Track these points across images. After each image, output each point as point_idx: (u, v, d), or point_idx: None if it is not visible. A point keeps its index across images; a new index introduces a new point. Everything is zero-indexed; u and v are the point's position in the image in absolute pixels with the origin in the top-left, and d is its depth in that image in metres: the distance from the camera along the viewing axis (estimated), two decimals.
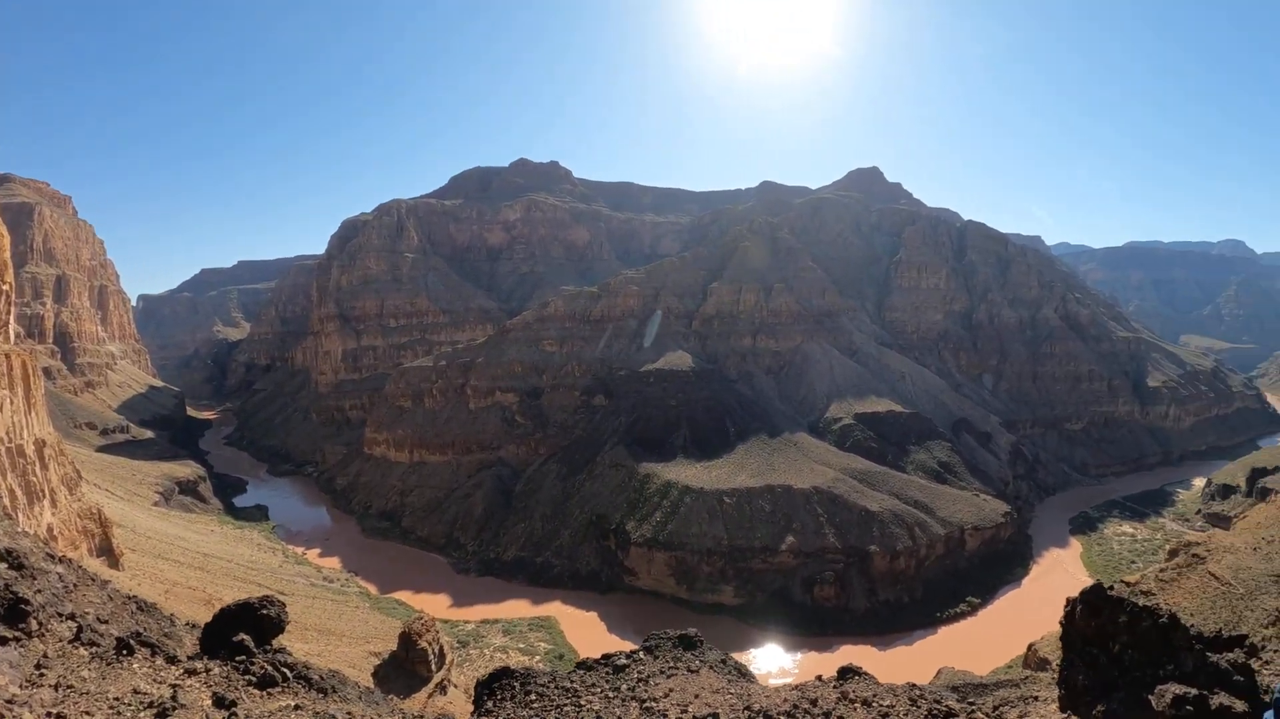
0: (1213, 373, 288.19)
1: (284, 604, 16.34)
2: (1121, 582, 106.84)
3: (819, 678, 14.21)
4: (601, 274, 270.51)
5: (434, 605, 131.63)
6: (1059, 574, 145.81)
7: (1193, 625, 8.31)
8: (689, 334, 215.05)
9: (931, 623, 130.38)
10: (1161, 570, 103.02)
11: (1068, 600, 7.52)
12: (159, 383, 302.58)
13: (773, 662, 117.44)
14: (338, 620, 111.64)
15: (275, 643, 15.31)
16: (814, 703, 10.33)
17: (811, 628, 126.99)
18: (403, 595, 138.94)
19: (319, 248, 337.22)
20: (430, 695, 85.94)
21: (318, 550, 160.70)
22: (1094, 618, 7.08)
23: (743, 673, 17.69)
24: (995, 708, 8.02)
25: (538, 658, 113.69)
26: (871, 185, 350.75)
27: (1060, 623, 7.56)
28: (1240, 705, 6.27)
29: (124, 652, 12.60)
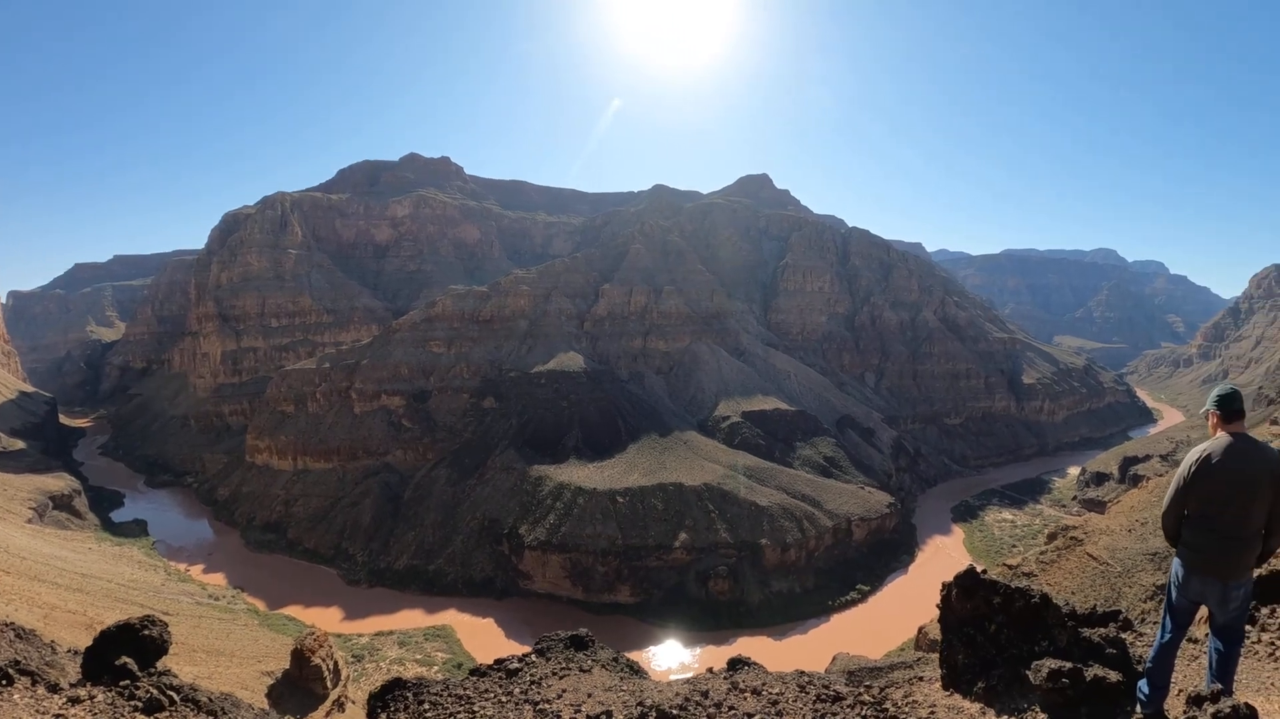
0: (1084, 370, 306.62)
1: (166, 624, 15.74)
2: (1004, 564, 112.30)
3: (710, 670, 14.51)
4: (492, 274, 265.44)
5: (326, 620, 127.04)
6: (944, 560, 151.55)
7: (1068, 603, 8.80)
8: (580, 335, 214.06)
9: (824, 611, 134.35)
10: (1042, 553, 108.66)
11: (943, 585, 7.89)
12: (30, 388, 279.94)
13: (673, 657, 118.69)
14: (226, 640, 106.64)
15: (160, 665, 14.74)
16: (705, 695, 10.57)
17: (708, 622, 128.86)
18: (293, 611, 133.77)
19: (200, 242, 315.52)
20: (328, 714, 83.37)
21: (201, 566, 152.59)
22: (969, 600, 7.44)
23: (635, 670, 17.85)
24: (882, 689, 8.38)
25: (435, 668, 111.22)
26: (760, 192, 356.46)
27: (938, 606, 7.92)
28: (1115, 676, 6.71)
29: (3, 682, 12.02)
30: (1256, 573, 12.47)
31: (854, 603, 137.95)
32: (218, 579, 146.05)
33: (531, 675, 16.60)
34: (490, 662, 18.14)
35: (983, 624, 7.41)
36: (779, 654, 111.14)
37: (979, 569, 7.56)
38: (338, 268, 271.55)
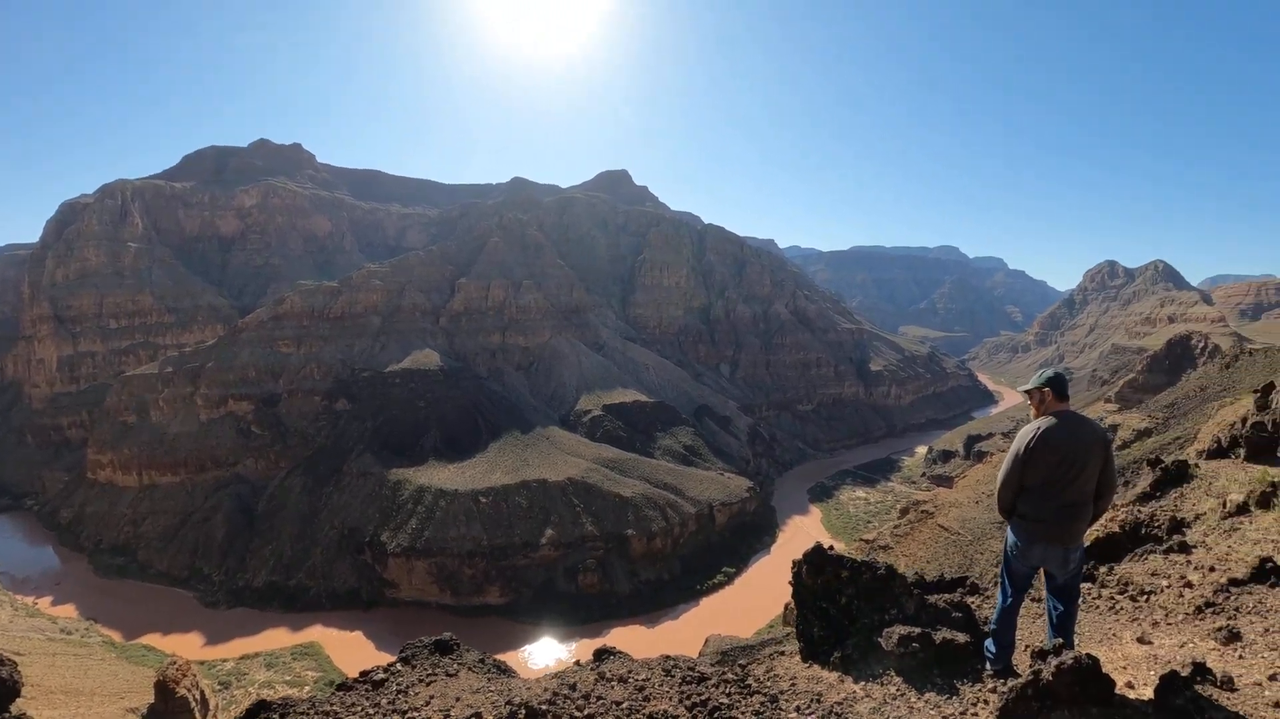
0: (929, 357, 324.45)
1: (16, 664, 14.49)
2: (861, 540, 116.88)
3: (577, 663, 14.39)
4: (343, 268, 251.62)
5: (186, 647, 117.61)
6: (804, 539, 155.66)
7: (917, 573, 9.13)
8: (436, 331, 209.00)
9: (694, 596, 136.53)
10: (896, 527, 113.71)
11: (794, 563, 8.08)
12: None
13: (549, 655, 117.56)
14: (84, 678, 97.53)
15: (15, 709, 13.60)
16: (573, 688, 10.45)
17: (580, 616, 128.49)
18: (151, 640, 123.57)
19: (35, 235, 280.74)
20: None
21: (50, 598, 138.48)
22: (819, 576, 7.64)
23: (503, 670, 17.55)
24: (745, 665, 8.55)
25: (307, 688, 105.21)
26: (620, 188, 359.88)
27: (790, 583, 8.11)
28: (963, 638, 7.02)
29: None
30: (1094, 537, 13.43)
31: (721, 585, 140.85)
32: (68, 611, 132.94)
33: (398, 685, 16.08)
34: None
35: (834, 597, 7.60)
36: (653, 642, 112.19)
37: (826, 546, 7.75)
38: (180, 263, 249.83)
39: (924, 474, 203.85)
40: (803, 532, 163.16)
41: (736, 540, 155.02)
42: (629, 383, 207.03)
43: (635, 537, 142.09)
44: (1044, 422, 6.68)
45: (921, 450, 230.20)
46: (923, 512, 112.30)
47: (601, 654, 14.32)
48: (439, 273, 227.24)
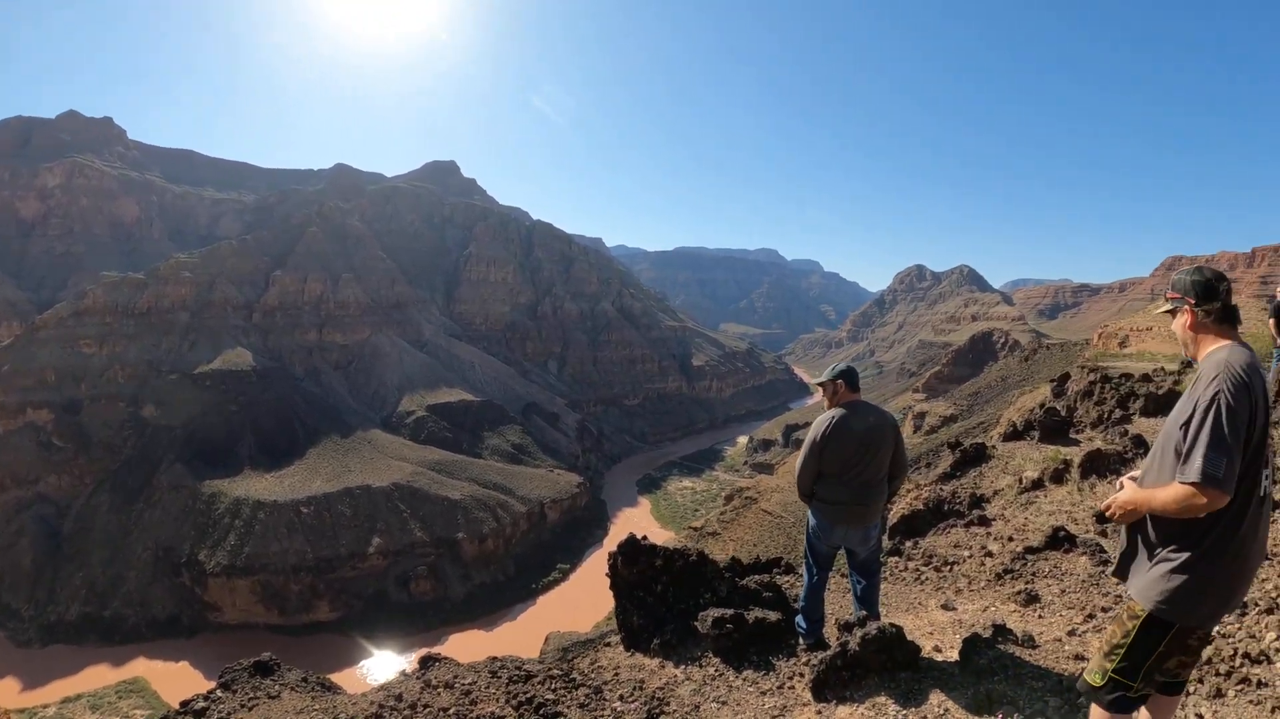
0: (748, 352, 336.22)
1: None
2: (690, 527, 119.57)
3: (402, 672, 13.97)
4: (151, 257, 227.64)
5: (3, 695, 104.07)
6: (635, 529, 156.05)
7: (734, 557, 9.39)
8: (249, 328, 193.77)
9: (530, 595, 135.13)
10: (722, 513, 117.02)
11: (609, 555, 8.19)
12: None
13: (387, 668, 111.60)
14: None
15: None
16: (399, 698, 10.10)
17: (417, 625, 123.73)
18: None
19: None
20: None
21: None
22: (633, 566, 7.74)
23: (327, 687, 16.83)
24: (570, 659, 8.57)
25: None
26: (448, 179, 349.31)
27: (607, 575, 8.22)
28: (774, 616, 7.27)
29: None
30: (900, 514, 14.22)
31: (557, 583, 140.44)
32: None
33: (219, 712, 15.06)
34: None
35: (650, 585, 7.72)
36: (493, 646, 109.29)
37: (640, 537, 7.85)
38: None
39: (746, 462, 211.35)
40: (633, 523, 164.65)
41: (569, 536, 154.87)
42: (454, 381, 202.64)
43: (466, 539, 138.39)
44: (837, 411, 7.02)
45: (743, 440, 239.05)
46: (746, 498, 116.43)
47: (427, 661, 13.96)
48: (253, 264, 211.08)
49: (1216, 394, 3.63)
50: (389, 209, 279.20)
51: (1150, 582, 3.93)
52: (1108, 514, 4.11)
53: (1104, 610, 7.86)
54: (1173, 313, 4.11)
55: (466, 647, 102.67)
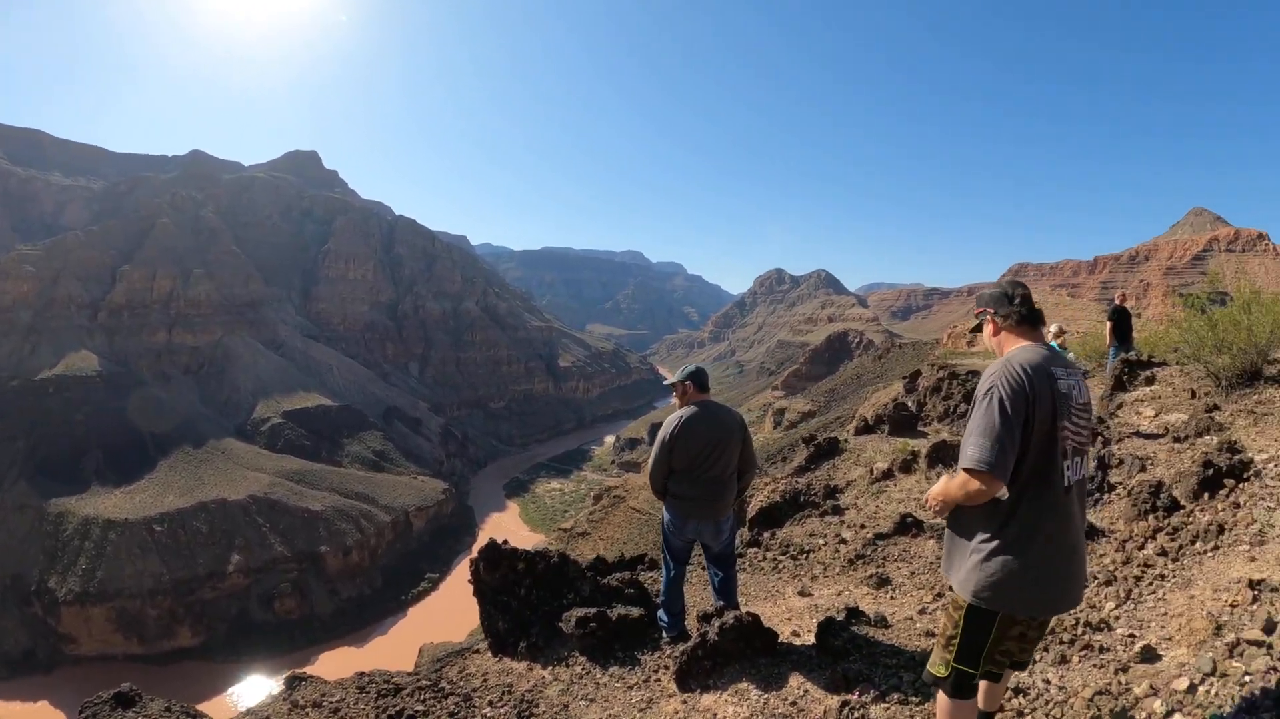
0: (614, 353, 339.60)
1: None
2: (560, 529, 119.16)
3: (269, 694, 13.59)
4: None
5: None
6: (503, 534, 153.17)
7: (599, 556, 9.63)
8: (94, 329, 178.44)
9: (400, 607, 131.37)
10: (591, 513, 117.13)
11: (471, 562, 8.26)
12: None
13: (259, 693, 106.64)
14: None
15: None
16: None
17: (284, 646, 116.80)
18: None
19: None
20: None
21: None
22: (495, 571, 7.85)
23: (192, 715, 16.18)
24: (438, 668, 8.51)
25: None
26: (308, 170, 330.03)
27: (469, 581, 8.28)
28: (637, 612, 7.47)
29: None
30: (759, 507, 14.72)
31: (427, 592, 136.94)
32: None
33: None
34: None
35: (514, 589, 7.84)
36: (365, 661, 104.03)
37: (500, 541, 7.98)
38: None
39: (614, 461, 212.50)
40: (502, 528, 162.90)
41: (437, 544, 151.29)
42: (312, 385, 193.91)
43: (330, 553, 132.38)
44: (686, 411, 7.26)
45: (610, 439, 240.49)
46: (615, 497, 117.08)
47: (293, 681, 13.54)
48: (100, 258, 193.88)
49: (990, 388, 3.94)
50: (245, 200, 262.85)
51: (966, 573, 4.15)
52: (927, 507, 4.42)
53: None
54: (979, 327, 4.55)
55: (338, 665, 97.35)
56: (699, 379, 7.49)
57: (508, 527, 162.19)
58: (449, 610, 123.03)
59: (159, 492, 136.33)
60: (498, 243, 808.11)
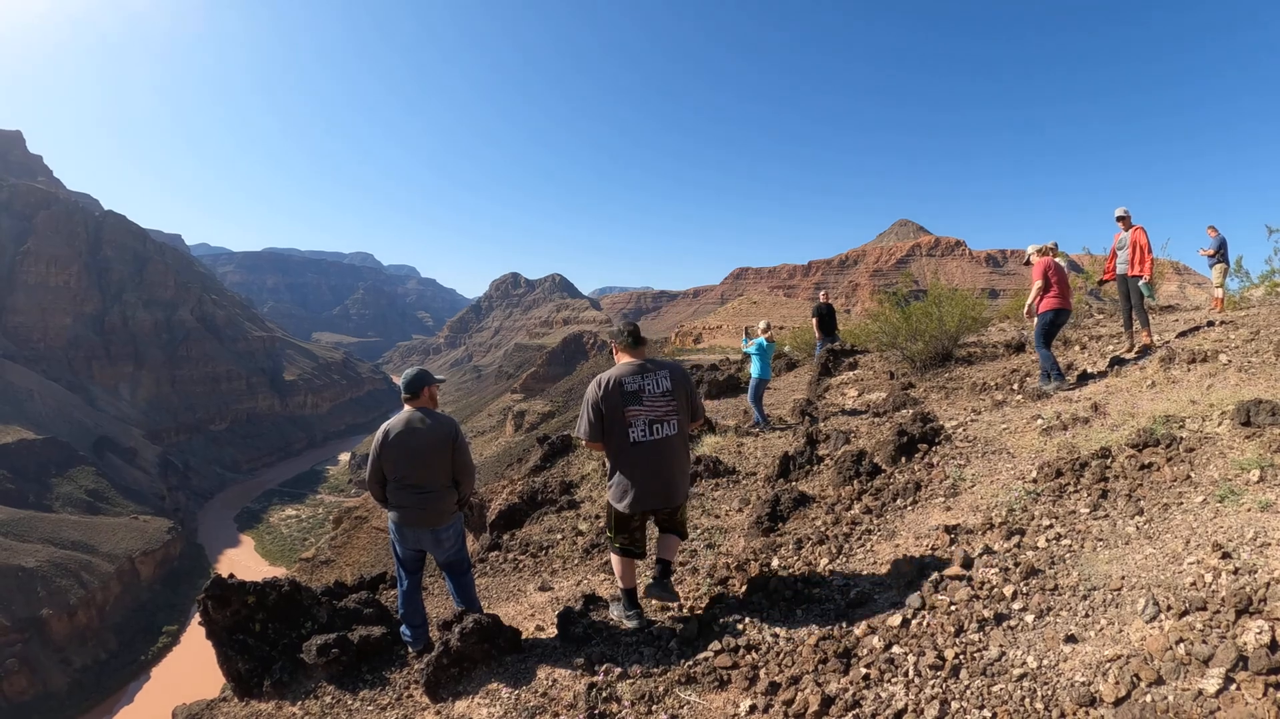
0: (344, 363, 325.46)
1: None
2: (301, 559, 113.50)
3: None
4: None
5: None
6: (241, 572, 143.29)
7: (338, 581, 9.61)
8: None
9: (142, 669, 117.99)
10: (333, 538, 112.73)
11: (197, 602, 7.97)
12: None
13: None
14: None
15: None
16: None
17: None
18: None
19: None
20: None
21: None
22: (226, 608, 7.60)
23: None
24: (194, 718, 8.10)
25: None
26: (10, 153, 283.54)
27: (199, 623, 7.97)
28: (379, 630, 7.56)
29: None
30: (498, 509, 15.11)
31: (168, 648, 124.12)
32: None
33: None
34: None
35: (249, 626, 7.68)
36: None
37: (227, 575, 7.78)
38: None
39: (351, 480, 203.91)
40: (238, 564, 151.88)
41: (169, 592, 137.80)
42: (10, 416, 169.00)
43: (54, 616, 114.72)
44: (395, 419, 7.64)
45: (345, 457, 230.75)
46: (356, 518, 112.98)
47: None
48: None
49: (586, 393, 6.95)
50: None
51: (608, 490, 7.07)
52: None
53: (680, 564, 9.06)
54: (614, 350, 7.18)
55: None
56: (407, 386, 7.71)
57: (244, 563, 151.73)
58: (195, 664, 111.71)
59: None
60: (215, 243, 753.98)
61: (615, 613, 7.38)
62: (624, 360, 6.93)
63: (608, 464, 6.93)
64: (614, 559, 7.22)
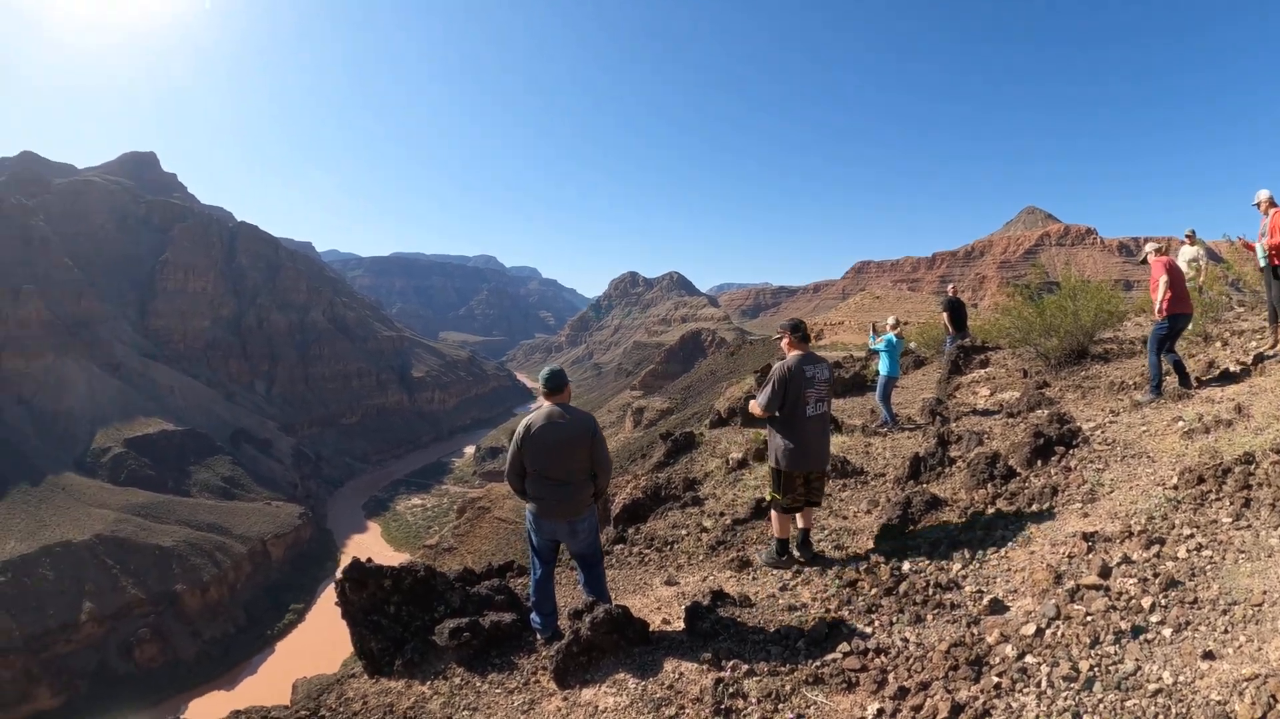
0: (469, 361, 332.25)
1: None
2: (425, 546, 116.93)
3: None
4: None
5: None
6: (366, 555, 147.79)
7: (466, 568, 9.76)
8: None
9: (267, 643, 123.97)
10: (456, 527, 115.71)
11: (335, 583, 8.22)
12: None
13: None
14: None
15: None
16: None
17: (151, 698, 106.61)
18: None
19: None
20: None
21: None
22: (362, 590, 7.83)
23: None
24: (316, 697, 8.30)
25: None
26: (145, 173, 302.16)
27: (336, 604, 8.22)
28: (509, 617, 7.69)
29: None
30: (622, 504, 15.14)
31: (294, 625, 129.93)
32: None
33: None
34: None
35: (383, 607, 7.88)
36: (238, 704, 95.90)
37: (364, 559, 8.03)
38: None
39: (475, 472, 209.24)
40: (365, 549, 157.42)
41: (298, 573, 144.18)
42: (152, 410, 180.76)
43: (187, 591, 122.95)
44: (535, 414, 7.75)
45: (470, 450, 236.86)
46: (479, 508, 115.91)
47: None
48: None
49: (772, 372, 8.57)
50: (79, 207, 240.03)
51: (770, 450, 8.80)
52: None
53: (806, 565, 9.03)
54: (781, 338, 8.83)
55: (209, 711, 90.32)
56: (548, 383, 7.80)
57: (370, 548, 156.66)
58: (318, 642, 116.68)
59: None
60: (345, 249, 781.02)
61: (765, 558, 9.25)
62: (795, 353, 8.55)
63: (773, 436, 8.60)
64: (774, 517, 9.01)
